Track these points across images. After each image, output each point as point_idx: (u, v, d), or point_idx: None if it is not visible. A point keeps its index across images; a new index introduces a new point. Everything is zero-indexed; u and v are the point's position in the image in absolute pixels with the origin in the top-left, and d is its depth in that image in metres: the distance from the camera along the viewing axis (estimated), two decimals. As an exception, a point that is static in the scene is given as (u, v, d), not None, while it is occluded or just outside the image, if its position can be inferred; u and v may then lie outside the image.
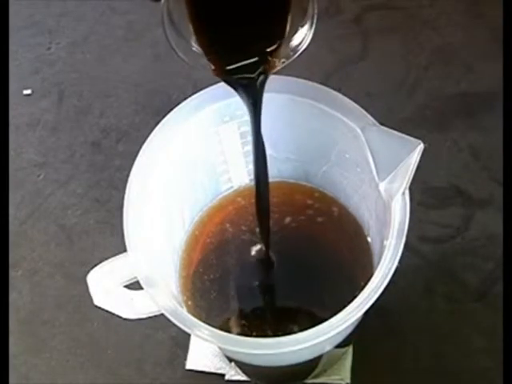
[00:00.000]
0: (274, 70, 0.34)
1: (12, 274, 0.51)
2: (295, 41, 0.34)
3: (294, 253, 0.44)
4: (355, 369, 0.44)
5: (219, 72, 0.34)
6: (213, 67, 0.33)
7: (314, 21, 0.32)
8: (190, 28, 0.32)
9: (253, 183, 0.41)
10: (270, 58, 0.34)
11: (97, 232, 0.52)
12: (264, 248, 0.42)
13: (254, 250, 0.44)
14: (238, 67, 0.34)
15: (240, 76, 0.34)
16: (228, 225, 0.45)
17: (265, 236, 0.42)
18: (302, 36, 0.33)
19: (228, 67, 0.34)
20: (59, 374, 0.47)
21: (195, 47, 0.32)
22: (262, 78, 0.34)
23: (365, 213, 0.42)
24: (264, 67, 0.34)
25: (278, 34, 0.33)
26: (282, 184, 0.45)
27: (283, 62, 0.34)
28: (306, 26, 0.33)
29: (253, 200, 0.41)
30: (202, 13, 0.31)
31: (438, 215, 0.50)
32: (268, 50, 0.34)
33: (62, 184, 0.55)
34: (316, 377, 0.44)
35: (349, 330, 0.38)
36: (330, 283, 0.42)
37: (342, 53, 0.59)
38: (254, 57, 0.34)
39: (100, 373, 0.46)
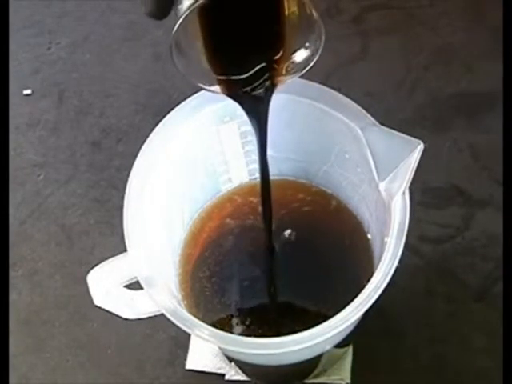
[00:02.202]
0: (281, 83, 0.35)
1: (12, 274, 0.51)
2: (300, 57, 0.34)
3: (293, 251, 0.44)
4: (355, 369, 0.44)
5: (229, 88, 0.35)
6: (222, 86, 0.35)
7: (321, 41, 0.33)
8: (198, 52, 0.33)
9: (252, 181, 0.41)
10: (275, 66, 0.35)
11: (97, 232, 0.52)
12: (265, 240, 0.43)
13: (253, 247, 0.44)
14: (247, 79, 0.35)
15: (248, 88, 0.35)
16: (226, 222, 0.45)
17: (267, 229, 0.42)
18: (307, 53, 0.34)
19: (237, 77, 0.34)
20: (59, 374, 0.47)
21: (204, 70, 0.34)
22: (268, 84, 0.35)
23: (365, 212, 0.42)
24: (270, 74, 0.35)
25: (279, 44, 0.34)
26: (282, 181, 0.45)
27: (290, 73, 0.35)
28: (312, 45, 0.34)
29: (251, 198, 0.41)
30: (213, 36, 0.33)
31: (438, 215, 0.50)
32: (273, 57, 0.35)
33: (62, 184, 0.55)
34: (316, 377, 0.44)
35: (349, 330, 0.38)
36: (331, 282, 0.42)
37: (342, 53, 0.59)
38: (261, 63, 0.34)
39: (100, 373, 0.46)
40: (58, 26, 0.64)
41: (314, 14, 0.31)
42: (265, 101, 0.36)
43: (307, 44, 0.34)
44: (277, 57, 0.35)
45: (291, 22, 0.34)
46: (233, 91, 0.35)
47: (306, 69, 0.35)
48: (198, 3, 0.29)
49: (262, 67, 0.35)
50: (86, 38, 0.63)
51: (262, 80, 0.35)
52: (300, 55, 0.35)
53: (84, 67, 0.61)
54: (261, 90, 0.35)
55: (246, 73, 0.35)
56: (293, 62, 0.35)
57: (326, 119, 0.39)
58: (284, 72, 0.35)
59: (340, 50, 0.59)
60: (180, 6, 0.30)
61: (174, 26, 0.30)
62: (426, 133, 0.53)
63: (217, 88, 0.35)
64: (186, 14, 0.29)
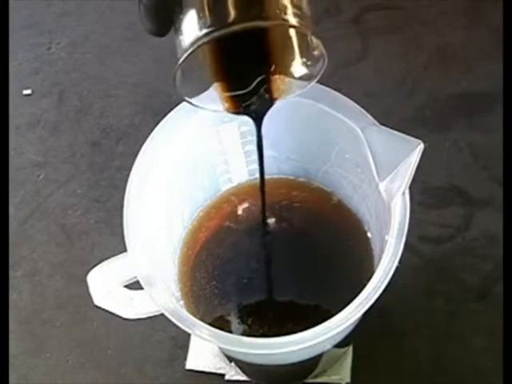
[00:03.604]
0: (281, 97, 0.36)
1: (12, 274, 0.51)
2: (300, 72, 0.35)
3: (293, 251, 0.44)
4: (355, 369, 0.44)
5: (233, 105, 0.36)
6: (226, 104, 0.36)
7: (324, 62, 0.33)
8: (200, 73, 0.35)
9: (252, 181, 0.42)
10: (271, 77, 0.36)
11: (97, 232, 0.52)
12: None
13: (252, 247, 0.44)
14: (248, 94, 0.35)
15: (249, 101, 0.36)
16: (226, 222, 0.45)
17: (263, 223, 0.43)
18: (308, 71, 0.35)
19: (241, 92, 0.35)
20: (59, 374, 0.47)
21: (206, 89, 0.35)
22: (267, 96, 0.36)
23: (365, 212, 0.42)
24: (268, 86, 0.35)
25: (271, 58, 0.35)
26: (282, 180, 0.45)
27: (291, 88, 0.36)
28: (313, 65, 0.34)
29: (250, 198, 0.42)
30: (214, 56, 0.34)
31: (438, 215, 0.50)
32: (268, 70, 0.35)
33: (62, 184, 0.55)
34: (316, 377, 0.44)
35: (349, 330, 0.38)
36: (331, 282, 0.42)
37: (342, 53, 0.59)
38: (258, 76, 0.35)
39: (100, 373, 0.46)
40: (58, 25, 0.64)
41: (315, 40, 0.32)
42: (263, 112, 0.37)
43: (309, 62, 0.34)
44: (271, 69, 0.35)
45: (285, 40, 0.34)
46: (235, 107, 0.36)
47: (309, 86, 0.35)
48: (201, 41, 0.29)
49: (261, 83, 0.35)
50: (86, 37, 0.63)
51: (260, 93, 0.35)
52: (300, 71, 0.35)
53: (84, 67, 0.61)
54: (259, 103, 0.36)
55: (247, 87, 0.35)
56: (293, 77, 0.35)
57: (326, 119, 0.39)
58: (282, 85, 0.36)
59: (340, 50, 0.59)
60: (181, 37, 0.30)
61: (178, 59, 0.30)
62: (426, 133, 0.53)
63: (219, 106, 0.36)
64: (189, 52, 0.30)
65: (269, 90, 0.36)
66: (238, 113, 0.37)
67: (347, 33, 0.60)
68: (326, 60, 0.32)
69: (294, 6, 0.30)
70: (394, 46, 0.59)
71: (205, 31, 0.29)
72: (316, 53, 0.33)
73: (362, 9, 0.62)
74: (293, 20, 0.30)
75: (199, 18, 0.29)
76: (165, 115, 0.39)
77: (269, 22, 0.30)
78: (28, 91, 0.60)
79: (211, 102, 0.36)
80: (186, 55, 0.30)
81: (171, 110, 0.39)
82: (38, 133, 0.58)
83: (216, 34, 0.29)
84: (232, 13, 0.29)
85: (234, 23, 0.29)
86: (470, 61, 0.57)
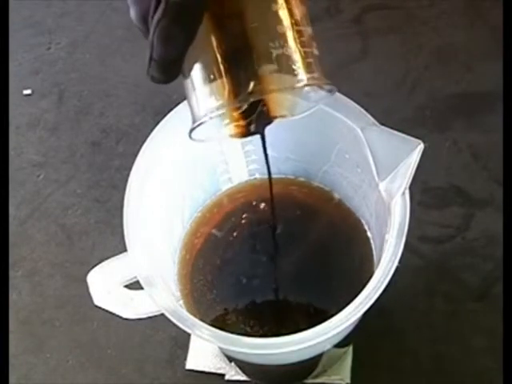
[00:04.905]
0: (280, 116, 0.35)
1: (12, 274, 0.51)
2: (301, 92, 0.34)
3: (293, 251, 0.43)
4: (355, 369, 0.44)
5: (238, 131, 0.35)
6: (234, 129, 0.35)
7: (330, 92, 0.32)
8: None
9: (252, 181, 0.43)
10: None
11: (97, 232, 0.52)
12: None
13: (251, 246, 0.44)
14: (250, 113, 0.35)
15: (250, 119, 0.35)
16: (225, 221, 0.45)
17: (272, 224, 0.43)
18: (309, 93, 0.34)
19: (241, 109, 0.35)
20: (59, 374, 0.47)
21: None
22: (265, 109, 0.35)
23: (365, 212, 0.42)
24: (265, 101, 0.35)
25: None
26: (282, 180, 0.45)
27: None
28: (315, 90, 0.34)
29: (251, 198, 0.43)
30: None
31: (438, 215, 0.50)
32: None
33: (62, 184, 0.55)
34: (316, 377, 0.44)
35: (349, 330, 0.38)
36: (331, 282, 0.42)
37: (342, 53, 0.59)
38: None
39: (100, 373, 0.46)
40: (58, 26, 0.64)
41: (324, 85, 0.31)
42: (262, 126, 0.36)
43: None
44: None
45: None
46: (240, 132, 0.36)
47: (314, 108, 0.35)
48: (221, 111, 0.29)
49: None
50: (86, 37, 0.63)
51: (258, 111, 0.35)
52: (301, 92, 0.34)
53: (84, 67, 0.61)
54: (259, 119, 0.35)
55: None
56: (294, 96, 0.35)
57: (326, 119, 0.39)
58: (281, 104, 0.35)
59: (340, 49, 0.59)
60: (195, 93, 0.30)
61: (196, 120, 0.30)
62: (426, 133, 0.53)
63: (224, 135, 0.36)
64: (209, 118, 0.29)
65: (266, 105, 0.35)
66: (243, 136, 0.36)
67: (347, 33, 0.60)
68: (335, 91, 0.32)
69: (306, 54, 0.29)
70: (394, 46, 0.59)
71: (223, 101, 0.29)
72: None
73: (362, 9, 0.62)
74: (305, 77, 0.29)
75: (214, 78, 0.29)
76: (165, 115, 0.39)
77: (284, 89, 0.29)
78: (28, 91, 0.60)
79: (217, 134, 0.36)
80: (201, 121, 0.30)
81: (171, 110, 0.39)
82: (38, 133, 0.58)
83: (234, 105, 0.29)
84: (248, 80, 0.28)
85: (252, 93, 0.28)
86: (470, 61, 0.57)
